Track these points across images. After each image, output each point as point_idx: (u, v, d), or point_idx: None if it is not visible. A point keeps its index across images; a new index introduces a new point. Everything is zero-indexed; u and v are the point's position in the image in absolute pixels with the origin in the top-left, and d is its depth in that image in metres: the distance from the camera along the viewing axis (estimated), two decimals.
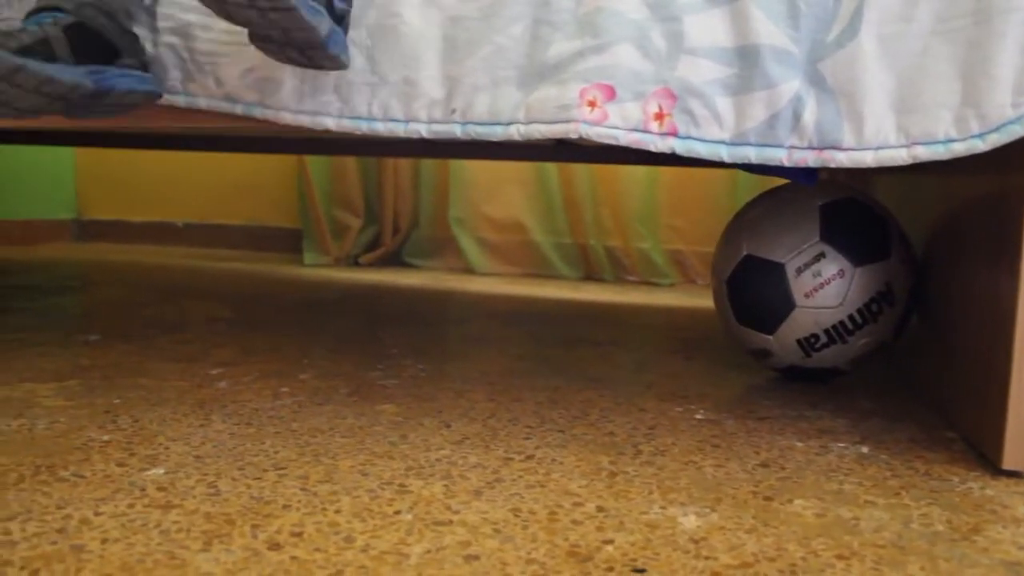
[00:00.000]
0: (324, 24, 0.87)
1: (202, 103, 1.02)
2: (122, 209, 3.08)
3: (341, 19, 0.94)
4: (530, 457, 0.86)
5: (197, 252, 2.84)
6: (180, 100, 1.02)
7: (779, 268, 1.10)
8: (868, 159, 0.83)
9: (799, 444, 0.93)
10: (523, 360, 1.31)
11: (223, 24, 0.98)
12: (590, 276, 2.51)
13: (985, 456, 0.90)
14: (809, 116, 0.84)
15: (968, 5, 0.80)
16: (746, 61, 0.86)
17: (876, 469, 0.87)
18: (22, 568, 0.60)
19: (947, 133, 0.81)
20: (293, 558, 0.63)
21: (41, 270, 2.20)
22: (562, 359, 1.33)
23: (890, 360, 1.35)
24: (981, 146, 0.80)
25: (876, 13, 0.83)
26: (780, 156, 0.86)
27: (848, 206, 1.13)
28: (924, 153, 0.82)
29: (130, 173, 3.01)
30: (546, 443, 0.91)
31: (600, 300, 2.05)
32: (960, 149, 0.80)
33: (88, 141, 2.14)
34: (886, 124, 0.82)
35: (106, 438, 0.87)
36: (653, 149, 0.89)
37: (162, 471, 0.79)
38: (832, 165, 0.85)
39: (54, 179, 2.98)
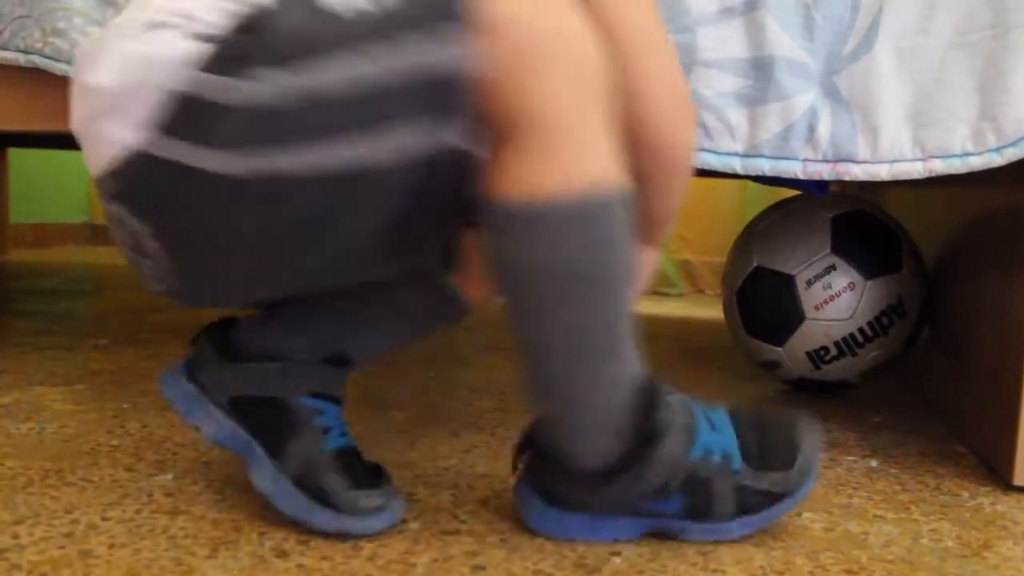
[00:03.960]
0: None
1: None
2: None
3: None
4: None
5: None
6: None
7: (789, 280, 1.10)
8: (883, 172, 0.83)
9: None
10: None
11: None
12: None
13: (996, 471, 0.89)
14: (824, 129, 0.83)
15: (986, 19, 0.80)
16: (761, 72, 0.85)
17: (885, 483, 0.86)
18: (30, 572, 0.60)
19: (964, 147, 0.80)
20: (300, 566, 0.63)
21: (53, 273, 2.21)
22: None
23: (900, 373, 1.34)
24: (998, 160, 0.79)
25: (893, 26, 0.82)
26: (794, 168, 0.85)
27: (859, 218, 1.13)
28: (940, 167, 0.81)
29: None
30: None
31: None
32: (977, 163, 0.80)
33: None
34: (902, 137, 0.82)
35: (115, 443, 0.88)
36: None
37: (170, 477, 0.79)
38: (847, 178, 0.84)
39: (67, 183, 3.00)
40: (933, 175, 0.82)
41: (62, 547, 0.64)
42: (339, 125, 0.52)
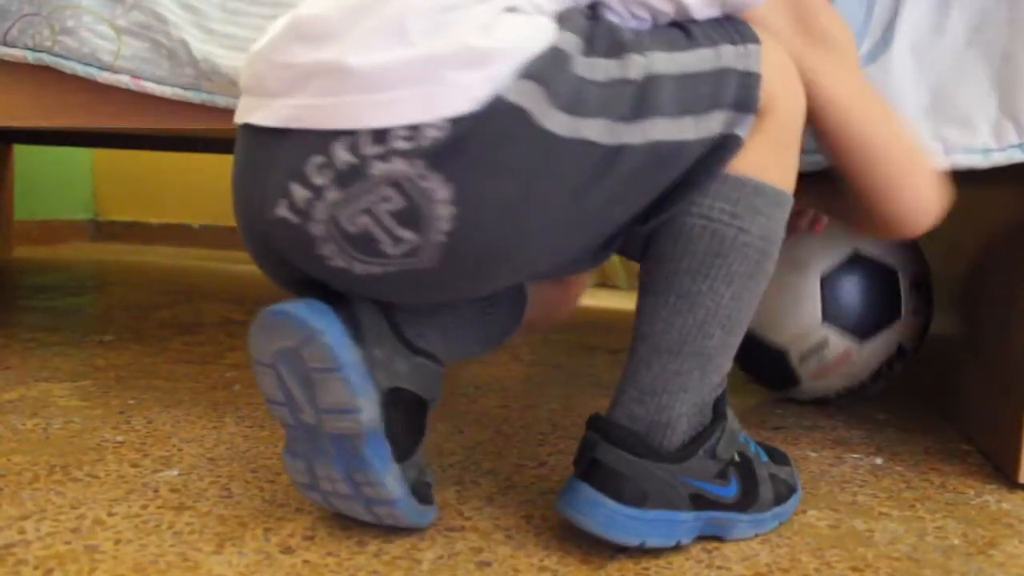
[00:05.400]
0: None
1: (219, 101, 1.02)
2: (139, 210, 3.10)
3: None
4: (543, 464, 0.86)
5: (213, 254, 2.85)
6: (192, 96, 1.01)
7: (782, 354, 1.07)
8: None
9: (813, 455, 0.93)
10: (536, 367, 1.31)
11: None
12: (604, 283, 2.51)
13: (1001, 469, 0.89)
14: None
15: (1002, 15, 0.80)
16: None
17: (891, 481, 0.86)
18: (36, 567, 0.60)
19: (985, 143, 0.80)
20: (305, 562, 0.63)
21: (58, 270, 2.22)
22: (575, 366, 1.33)
23: (905, 371, 1.34)
24: (1021, 156, 0.79)
25: (908, 25, 0.82)
26: (813, 160, 0.85)
27: (850, 271, 1.05)
28: (963, 161, 0.81)
29: (147, 175, 3.03)
30: (559, 450, 0.90)
31: (614, 307, 2.05)
32: (1000, 159, 0.80)
33: (106, 142, 2.15)
34: (922, 134, 0.81)
35: (120, 439, 0.88)
36: None
37: (175, 473, 0.79)
38: None
39: (72, 180, 3.00)
40: (956, 168, 0.81)
41: (68, 542, 0.64)
42: (680, 105, 0.60)
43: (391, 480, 0.63)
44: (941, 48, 0.82)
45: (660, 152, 0.60)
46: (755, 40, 0.64)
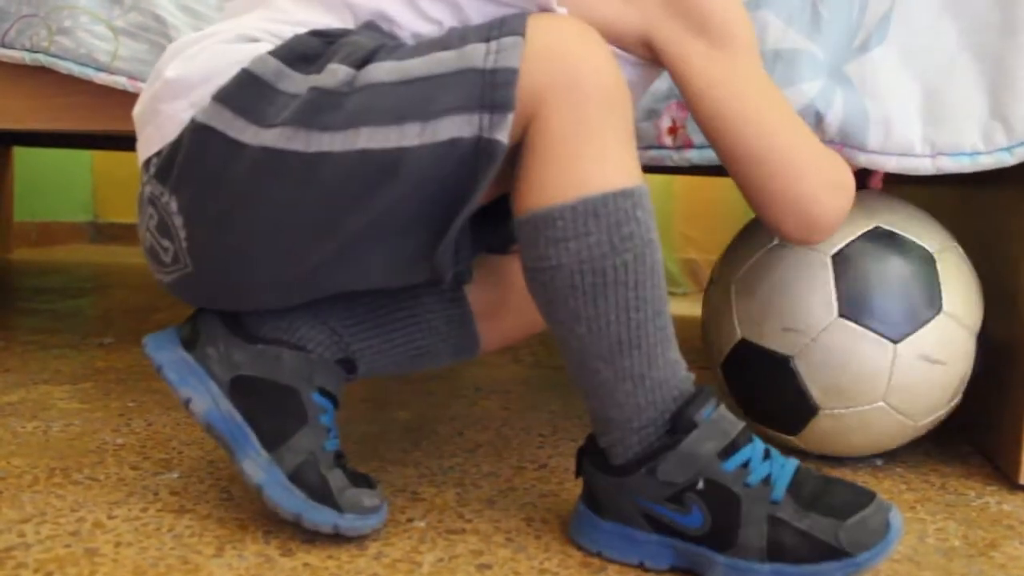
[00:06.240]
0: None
1: None
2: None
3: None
4: (543, 466, 0.86)
5: None
6: None
7: None
8: (890, 164, 0.82)
9: (813, 456, 0.93)
10: (537, 369, 1.31)
11: None
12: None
13: (1001, 471, 0.89)
14: (833, 117, 0.81)
15: (995, 18, 0.80)
16: (765, 65, 0.84)
17: (891, 482, 0.86)
18: (36, 571, 0.60)
19: (974, 145, 0.80)
20: (306, 564, 0.63)
21: (58, 272, 2.22)
22: None
23: None
24: (1009, 159, 0.79)
25: (902, 23, 0.82)
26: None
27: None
28: (950, 164, 0.81)
29: None
30: (559, 452, 0.90)
31: None
32: (987, 162, 0.80)
33: (105, 144, 2.15)
34: (912, 133, 0.81)
35: (120, 441, 0.88)
36: (670, 163, 0.88)
37: (176, 475, 0.79)
38: (852, 164, 0.83)
39: (71, 181, 2.99)
40: (942, 172, 0.81)
41: (68, 546, 0.64)
42: (397, 113, 0.58)
43: (249, 464, 0.67)
44: (934, 48, 0.81)
45: (373, 161, 0.59)
46: (515, 33, 0.59)
